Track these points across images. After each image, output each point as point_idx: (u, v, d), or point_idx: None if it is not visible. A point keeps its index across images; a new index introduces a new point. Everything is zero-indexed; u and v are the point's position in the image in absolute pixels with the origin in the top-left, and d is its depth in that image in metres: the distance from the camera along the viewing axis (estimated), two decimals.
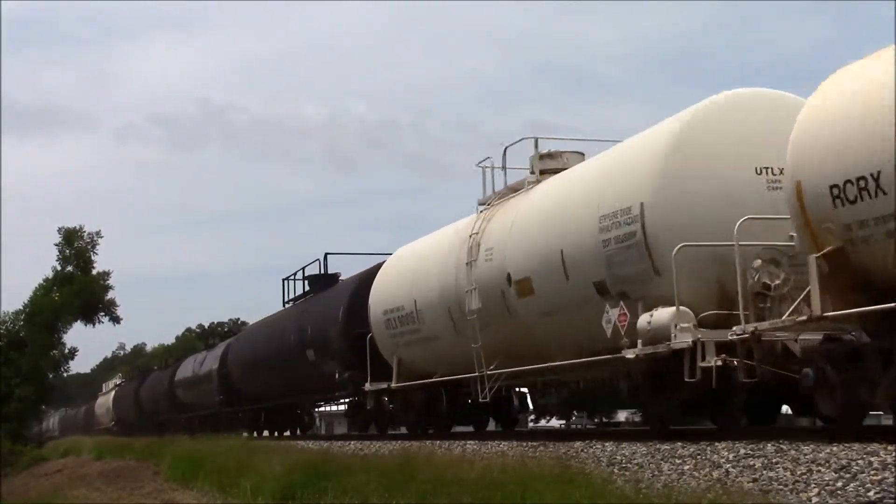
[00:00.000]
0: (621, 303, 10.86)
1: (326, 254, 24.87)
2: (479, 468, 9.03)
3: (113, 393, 64.00)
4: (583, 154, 14.38)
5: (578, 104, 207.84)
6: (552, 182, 13.65)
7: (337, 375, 20.62)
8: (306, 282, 25.89)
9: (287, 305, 27.51)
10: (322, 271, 24.93)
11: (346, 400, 23.47)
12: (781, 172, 9.57)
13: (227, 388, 32.07)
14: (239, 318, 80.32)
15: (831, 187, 8.11)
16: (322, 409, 28.73)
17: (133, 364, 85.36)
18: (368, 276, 19.96)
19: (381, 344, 18.27)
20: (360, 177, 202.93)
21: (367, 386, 18.69)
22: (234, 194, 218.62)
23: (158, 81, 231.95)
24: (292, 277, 27.22)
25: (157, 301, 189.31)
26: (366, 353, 18.51)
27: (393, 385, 17.82)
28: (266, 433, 31.53)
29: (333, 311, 21.27)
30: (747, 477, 7.30)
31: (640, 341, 10.36)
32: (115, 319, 45.61)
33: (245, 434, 29.27)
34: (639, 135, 11.93)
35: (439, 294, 15.75)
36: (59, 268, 45.58)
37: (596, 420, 45.77)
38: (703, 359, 9.56)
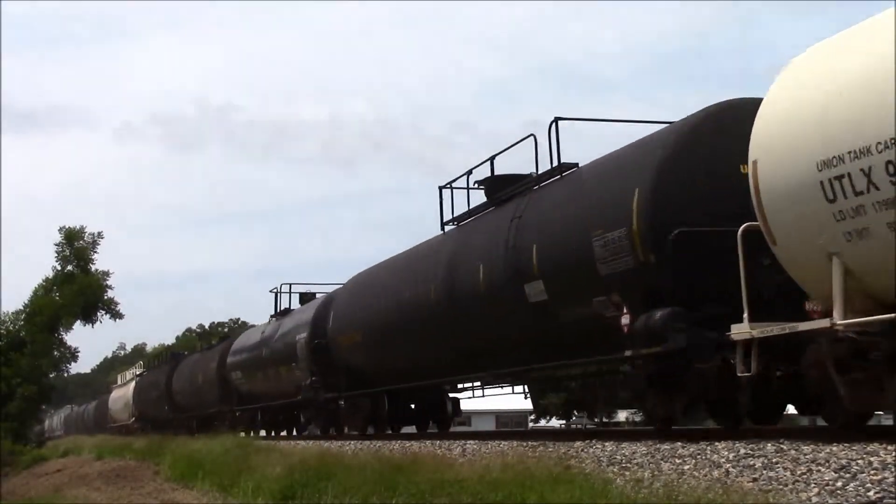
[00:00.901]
0: None
1: (557, 118, 13.18)
2: (479, 468, 9.04)
3: (132, 384, 52.84)
4: None
5: (579, 104, 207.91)
6: None
7: (626, 319, 10.74)
8: (483, 189, 15.70)
9: (447, 228, 16.85)
10: (554, 155, 13.27)
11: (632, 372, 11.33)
12: None
13: (325, 367, 21.57)
14: (239, 318, 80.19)
15: None
16: None
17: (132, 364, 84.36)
18: (708, 120, 10.76)
19: (797, 234, 8.39)
20: (360, 177, 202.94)
21: (748, 329, 8.83)
22: (233, 194, 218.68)
23: (158, 81, 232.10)
24: (462, 183, 16.41)
25: (157, 301, 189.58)
26: (687, 271, 10.05)
27: (839, 322, 7.92)
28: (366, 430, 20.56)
29: (616, 199, 11.07)
30: (747, 477, 7.31)
31: None
32: (117, 315, 45.57)
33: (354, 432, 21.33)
34: None
35: None
36: (59, 268, 45.67)
37: (596, 420, 45.90)
38: None
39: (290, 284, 28.10)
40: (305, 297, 27.15)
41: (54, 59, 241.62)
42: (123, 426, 53.32)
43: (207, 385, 33.63)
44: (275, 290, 28.01)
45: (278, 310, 27.88)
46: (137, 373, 55.31)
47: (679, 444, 9.07)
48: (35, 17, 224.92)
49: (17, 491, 27.51)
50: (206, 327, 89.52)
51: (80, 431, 73.14)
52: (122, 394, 56.62)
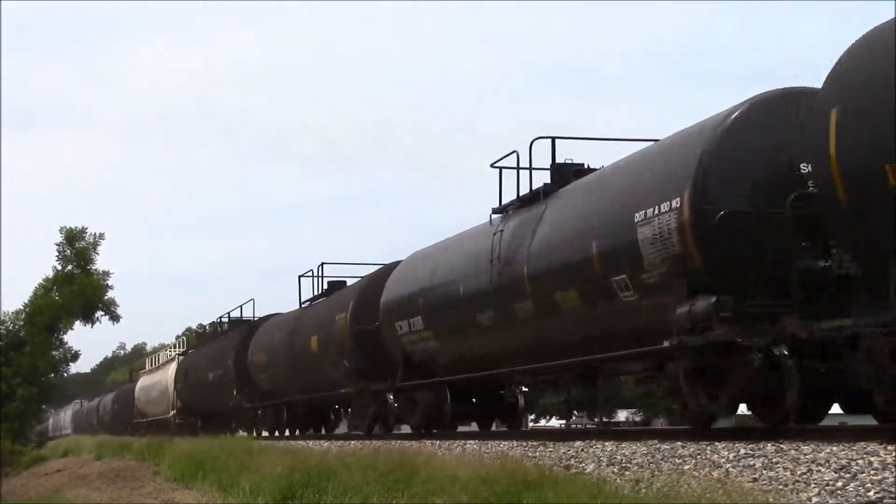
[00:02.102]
0: None
1: None
2: (479, 468, 9.03)
3: (173, 366, 39.20)
4: None
5: (579, 104, 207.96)
6: None
7: None
8: None
9: None
10: None
11: None
12: None
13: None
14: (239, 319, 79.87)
15: None
16: None
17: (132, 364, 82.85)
18: None
19: None
20: (360, 177, 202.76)
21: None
22: (233, 194, 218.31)
23: (158, 81, 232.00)
24: None
25: (157, 301, 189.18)
26: None
27: None
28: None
29: None
30: (747, 477, 7.30)
31: None
32: (115, 318, 45.61)
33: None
34: None
35: None
36: (59, 268, 45.71)
37: (596, 420, 45.94)
38: None
39: (516, 154, 13.65)
40: (528, 198, 13.40)
41: (54, 59, 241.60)
42: (156, 421, 40.71)
43: (333, 352, 20.04)
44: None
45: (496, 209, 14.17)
46: (177, 354, 41.29)
47: (679, 443, 9.07)
48: (35, 17, 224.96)
49: (17, 491, 27.57)
50: (206, 327, 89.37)
51: (96, 430, 61.37)
52: (157, 380, 42.50)
